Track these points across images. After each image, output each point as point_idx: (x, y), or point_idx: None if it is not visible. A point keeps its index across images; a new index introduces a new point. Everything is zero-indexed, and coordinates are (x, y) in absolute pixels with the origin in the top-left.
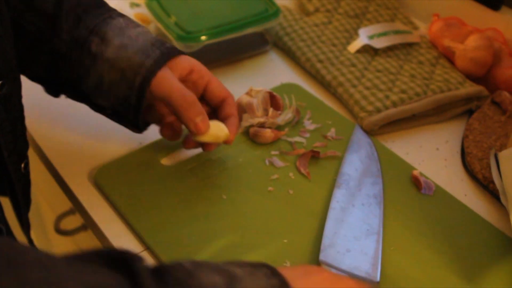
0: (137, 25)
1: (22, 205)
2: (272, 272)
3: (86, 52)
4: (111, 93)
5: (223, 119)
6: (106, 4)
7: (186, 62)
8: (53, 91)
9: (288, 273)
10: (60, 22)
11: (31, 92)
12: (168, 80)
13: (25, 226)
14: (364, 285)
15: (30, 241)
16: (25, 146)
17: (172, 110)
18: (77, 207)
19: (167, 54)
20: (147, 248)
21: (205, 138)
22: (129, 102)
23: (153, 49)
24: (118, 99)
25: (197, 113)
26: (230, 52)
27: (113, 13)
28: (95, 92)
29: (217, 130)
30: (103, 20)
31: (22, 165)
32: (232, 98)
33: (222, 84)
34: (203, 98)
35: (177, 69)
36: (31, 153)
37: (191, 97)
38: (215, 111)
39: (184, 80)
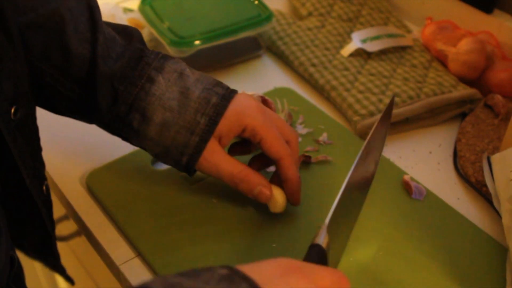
0: (180, 76)
1: (51, 232)
2: (252, 286)
3: (128, 128)
4: (159, 158)
5: (281, 181)
6: (141, 51)
7: (235, 122)
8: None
9: (265, 274)
10: (99, 99)
11: None
12: (214, 160)
13: (56, 256)
14: (342, 278)
15: (63, 270)
16: (42, 167)
17: None
18: (70, 212)
19: (214, 120)
20: (139, 254)
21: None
22: (178, 168)
23: (198, 118)
24: (166, 162)
25: (251, 187)
26: (223, 56)
27: (151, 71)
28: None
29: (278, 196)
30: (142, 88)
31: (44, 188)
32: (287, 159)
33: (278, 141)
34: None
35: (225, 134)
36: None
37: (240, 173)
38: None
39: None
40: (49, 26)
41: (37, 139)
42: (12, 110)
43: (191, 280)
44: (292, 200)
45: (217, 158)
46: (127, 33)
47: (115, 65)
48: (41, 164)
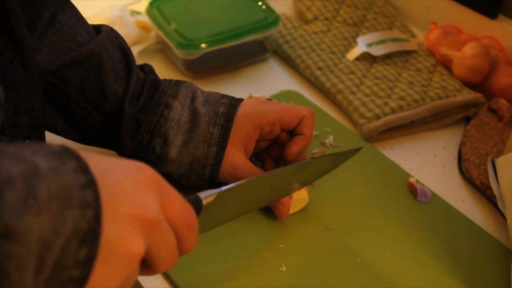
0: (193, 98)
1: None
2: (81, 166)
3: (151, 153)
4: (182, 181)
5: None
6: (156, 85)
7: (250, 126)
8: None
9: (105, 166)
10: (123, 131)
11: None
12: (234, 168)
13: None
14: (191, 214)
15: None
16: None
17: None
18: None
19: (226, 128)
20: None
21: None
22: (201, 185)
23: (211, 130)
24: (188, 184)
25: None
26: (230, 59)
27: (168, 98)
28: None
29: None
30: (161, 115)
31: None
32: (308, 117)
33: (294, 109)
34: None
35: (246, 139)
36: None
37: None
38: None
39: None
40: (88, 64)
41: None
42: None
43: (19, 148)
44: (291, 153)
45: (237, 165)
46: (142, 69)
47: (138, 102)
48: None
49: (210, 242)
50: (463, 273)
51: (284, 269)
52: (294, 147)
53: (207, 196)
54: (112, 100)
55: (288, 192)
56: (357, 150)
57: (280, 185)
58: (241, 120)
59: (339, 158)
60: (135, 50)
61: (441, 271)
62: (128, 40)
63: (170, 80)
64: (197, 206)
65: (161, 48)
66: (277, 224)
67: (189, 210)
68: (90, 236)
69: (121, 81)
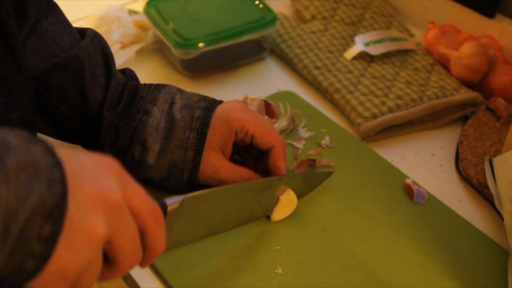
0: (172, 103)
1: None
2: (48, 148)
3: (130, 159)
4: (163, 184)
5: (269, 170)
6: (136, 91)
7: (225, 130)
8: None
9: (69, 151)
10: (102, 137)
11: None
12: (214, 170)
13: None
14: (156, 208)
15: None
16: None
17: None
18: None
19: (202, 133)
20: None
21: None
22: (182, 187)
23: (187, 134)
24: (170, 185)
25: None
26: (227, 59)
27: (147, 104)
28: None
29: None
30: (139, 121)
31: None
32: (279, 148)
33: (268, 131)
34: None
35: (223, 143)
36: None
37: (241, 180)
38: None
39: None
40: (70, 69)
41: None
42: None
43: None
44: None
45: (217, 168)
46: (124, 73)
47: (117, 108)
48: None
49: (205, 244)
50: (460, 273)
51: (280, 271)
52: (271, 162)
53: (172, 202)
54: (92, 106)
55: (263, 213)
56: (329, 174)
57: (250, 200)
58: (218, 123)
59: (310, 181)
60: (132, 50)
61: (438, 272)
62: (125, 39)
63: (150, 85)
64: (162, 210)
65: (159, 48)
66: (273, 226)
67: (154, 203)
68: (56, 212)
69: (101, 87)
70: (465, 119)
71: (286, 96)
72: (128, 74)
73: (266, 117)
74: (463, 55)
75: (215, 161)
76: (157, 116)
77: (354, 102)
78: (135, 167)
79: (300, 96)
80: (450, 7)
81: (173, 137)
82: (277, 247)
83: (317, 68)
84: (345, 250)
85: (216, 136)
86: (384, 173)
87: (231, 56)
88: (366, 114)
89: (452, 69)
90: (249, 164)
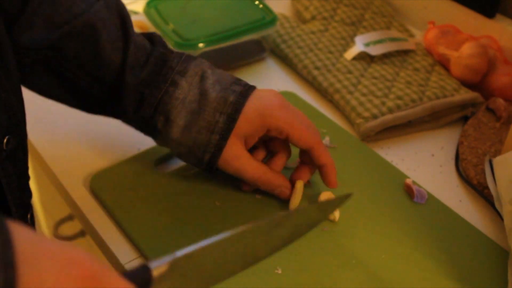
0: (202, 78)
1: None
2: (3, 246)
3: (152, 128)
4: (181, 159)
5: (318, 167)
6: (165, 59)
7: (258, 122)
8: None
9: (33, 253)
10: (126, 102)
11: (30, 98)
12: (236, 160)
13: None
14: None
15: None
16: (29, 196)
17: None
18: (76, 212)
19: (232, 119)
20: (142, 254)
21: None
22: (200, 166)
23: (216, 118)
24: (189, 162)
25: (273, 189)
26: (227, 59)
27: (175, 75)
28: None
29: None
30: (166, 92)
31: (29, 216)
32: (318, 147)
33: (305, 132)
34: None
35: (250, 134)
36: (30, 158)
37: (262, 178)
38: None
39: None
40: (83, 36)
41: (26, 168)
42: (5, 141)
43: None
44: (330, 183)
45: (239, 158)
46: (150, 39)
47: (142, 73)
48: (28, 193)
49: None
50: (460, 274)
51: (280, 271)
52: (330, 178)
53: (158, 265)
54: (111, 72)
55: (271, 252)
56: (347, 197)
57: (254, 242)
58: (252, 113)
59: (326, 208)
60: None
61: (438, 272)
62: None
63: (181, 55)
64: (146, 277)
65: None
66: None
67: None
68: None
69: (118, 51)
70: (465, 119)
71: (286, 96)
72: (157, 39)
73: None
74: (463, 55)
75: (236, 149)
76: (185, 89)
77: (354, 102)
78: (157, 136)
79: (300, 97)
80: (450, 8)
81: (202, 117)
82: None
83: (317, 68)
84: (345, 250)
85: (245, 124)
86: (384, 173)
87: (231, 56)
88: (366, 114)
89: (452, 70)
90: (258, 157)
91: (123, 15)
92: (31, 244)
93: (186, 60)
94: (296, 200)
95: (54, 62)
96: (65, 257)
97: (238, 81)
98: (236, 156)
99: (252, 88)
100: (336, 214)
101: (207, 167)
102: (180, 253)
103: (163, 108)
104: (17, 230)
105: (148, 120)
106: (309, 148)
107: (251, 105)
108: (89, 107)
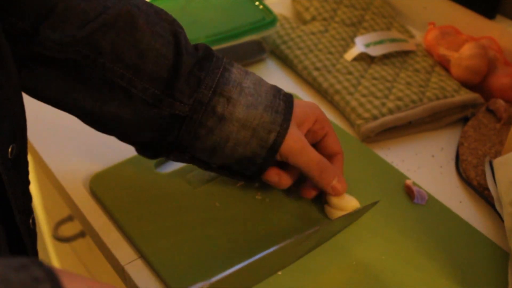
0: (247, 72)
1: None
2: None
3: (210, 114)
4: (235, 153)
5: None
6: (211, 51)
7: (309, 111)
8: (151, 153)
9: None
10: (180, 87)
11: (29, 98)
12: (299, 145)
13: None
14: None
15: None
16: (30, 200)
17: (305, 173)
18: (76, 213)
19: (289, 104)
20: (142, 255)
21: (337, 212)
22: (254, 161)
23: (277, 101)
24: (240, 158)
25: (333, 177)
26: None
27: (226, 64)
28: (211, 153)
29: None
30: (222, 75)
31: (30, 221)
32: (342, 155)
33: (337, 138)
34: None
35: (303, 121)
36: (29, 159)
37: (325, 164)
38: None
39: (308, 131)
40: (118, 25)
41: (27, 173)
42: (10, 149)
43: None
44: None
45: (301, 140)
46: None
47: (195, 56)
48: (29, 197)
49: (206, 247)
50: (460, 275)
51: (280, 272)
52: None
53: None
54: (153, 59)
55: (296, 259)
56: (373, 205)
57: (284, 258)
58: (301, 103)
59: (352, 218)
60: None
61: (438, 273)
62: None
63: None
64: None
65: None
66: (270, 225)
67: None
68: None
69: (160, 37)
70: (465, 120)
71: None
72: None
73: None
74: (463, 56)
75: (296, 132)
76: (237, 75)
77: (354, 103)
78: (214, 123)
79: (300, 98)
80: (450, 8)
81: (262, 99)
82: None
83: (317, 69)
84: (345, 251)
85: (300, 110)
86: (384, 174)
87: (231, 57)
88: (366, 115)
89: (452, 71)
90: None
91: (157, 9)
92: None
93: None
94: (339, 213)
95: (90, 62)
96: None
97: (274, 87)
98: (299, 138)
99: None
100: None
101: (268, 153)
102: (216, 279)
103: (222, 89)
104: (62, 274)
105: (207, 104)
106: (337, 153)
107: (300, 101)
108: (131, 116)
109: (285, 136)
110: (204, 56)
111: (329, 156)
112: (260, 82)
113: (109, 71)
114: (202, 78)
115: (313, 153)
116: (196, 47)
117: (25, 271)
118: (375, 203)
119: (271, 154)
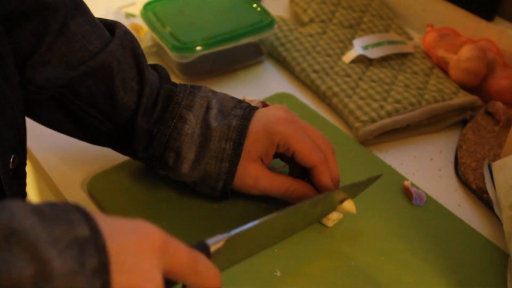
0: (209, 105)
1: None
2: (101, 265)
3: (163, 165)
4: (196, 188)
5: (315, 187)
6: (172, 96)
7: (267, 139)
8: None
9: (111, 230)
10: (136, 142)
11: None
12: (254, 180)
13: None
14: (201, 261)
15: None
16: None
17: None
18: None
19: (239, 141)
20: None
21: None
22: (214, 194)
23: (223, 145)
24: (202, 192)
25: (303, 197)
26: (225, 62)
27: (182, 110)
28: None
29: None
30: (174, 127)
31: None
32: (320, 167)
33: (310, 150)
34: None
35: (260, 153)
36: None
37: (288, 191)
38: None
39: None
40: (98, 76)
41: (25, 185)
42: (11, 160)
43: (44, 231)
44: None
45: (260, 179)
46: (156, 69)
47: (153, 115)
48: None
49: None
50: (459, 277)
51: (279, 274)
52: (314, 181)
53: (215, 242)
54: (122, 112)
55: (306, 226)
56: (377, 177)
57: (295, 221)
58: (260, 134)
59: (359, 188)
60: None
61: (437, 275)
62: None
63: (185, 88)
64: (204, 253)
65: (156, 51)
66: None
67: (197, 259)
68: None
69: (132, 93)
70: (464, 123)
71: (284, 98)
72: (162, 73)
73: None
74: (462, 58)
75: (254, 171)
76: (192, 123)
77: (352, 106)
78: (169, 171)
79: (298, 98)
80: (448, 10)
81: (209, 147)
82: (276, 250)
83: (315, 71)
84: (344, 252)
85: (256, 145)
86: (383, 175)
87: (228, 59)
88: (364, 118)
89: (450, 73)
90: (295, 173)
91: (137, 54)
92: (109, 225)
93: (192, 93)
94: (335, 216)
95: (66, 100)
96: (139, 231)
97: (239, 104)
98: (257, 177)
99: (253, 109)
100: (352, 207)
101: (221, 194)
102: (234, 231)
103: (173, 144)
104: (95, 215)
105: (159, 158)
106: (311, 166)
107: (256, 125)
108: (99, 142)
109: (232, 182)
110: (162, 103)
111: (310, 170)
112: (211, 122)
113: (83, 111)
114: (154, 134)
115: (276, 185)
116: (159, 91)
117: (57, 206)
118: (379, 176)
119: (224, 195)
